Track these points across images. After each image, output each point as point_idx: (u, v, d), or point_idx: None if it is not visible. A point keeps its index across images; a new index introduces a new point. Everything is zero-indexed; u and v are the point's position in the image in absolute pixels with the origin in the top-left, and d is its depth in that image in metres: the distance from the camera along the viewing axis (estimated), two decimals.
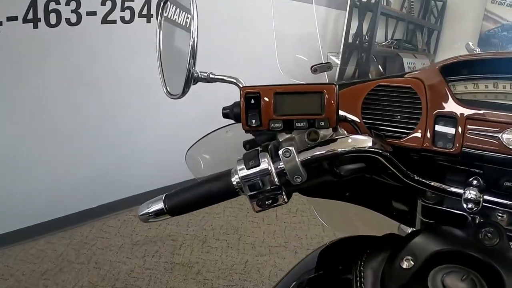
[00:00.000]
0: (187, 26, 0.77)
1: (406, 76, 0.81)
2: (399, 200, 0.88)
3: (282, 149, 0.65)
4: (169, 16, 0.84)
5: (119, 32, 2.37)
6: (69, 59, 2.21)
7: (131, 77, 2.47)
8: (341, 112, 0.73)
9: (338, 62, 3.68)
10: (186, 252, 2.48)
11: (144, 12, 2.48)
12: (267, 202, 0.68)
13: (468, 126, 0.70)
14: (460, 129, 0.71)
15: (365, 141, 0.69)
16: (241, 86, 0.72)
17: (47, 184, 2.36)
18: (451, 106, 0.73)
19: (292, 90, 0.68)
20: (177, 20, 0.82)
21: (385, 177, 0.78)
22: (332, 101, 0.67)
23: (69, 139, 2.36)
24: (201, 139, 1.00)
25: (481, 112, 0.71)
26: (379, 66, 4.15)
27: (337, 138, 0.69)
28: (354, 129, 0.77)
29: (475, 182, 0.69)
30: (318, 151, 0.67)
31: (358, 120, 0.79)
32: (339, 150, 0.67)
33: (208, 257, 2.43)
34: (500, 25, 3.98)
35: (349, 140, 0.68)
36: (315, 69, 0.95)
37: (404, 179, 0.72)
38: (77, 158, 2.44)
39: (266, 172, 0.65)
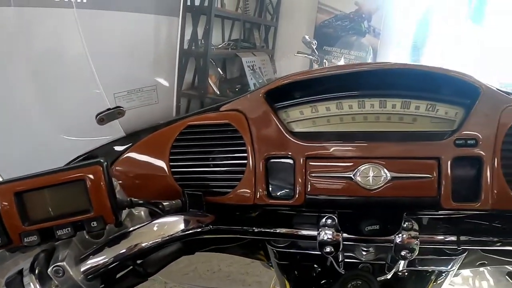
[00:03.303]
0: None
1: (222, 108, 0.65)
2: (245, 246, 0.73)
3: (51, 266, 0.49)
4: None
5: None
6: None
7: None
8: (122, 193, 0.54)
9: (175, 78, 3.28)
10: None
11: None
12: None
13: (311, 167, 0.56)
14: (300, 174, 0.57)
15: (173, 225, 0.53)
16: None
17: None
18: (284, 143, 0.59)
19: (39, 184, 0.48)
20: None
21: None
22: (100, 191, 0.48)
23: None
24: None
25: (324, 146, 0.58)
26: (219, 69, 3.89)
27: (131, 231, 0.52)
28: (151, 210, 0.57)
29: (329, 221, 0.57)
30: (106, 257, 0.51)
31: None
32: (138, 247, 0.50)
33: None
34: (334, 15, 3.94)
35: (154, 228, 0.52)
36: (101, 119, 0.72)
37: (244, 237, 0.60)
38: None
39: None
